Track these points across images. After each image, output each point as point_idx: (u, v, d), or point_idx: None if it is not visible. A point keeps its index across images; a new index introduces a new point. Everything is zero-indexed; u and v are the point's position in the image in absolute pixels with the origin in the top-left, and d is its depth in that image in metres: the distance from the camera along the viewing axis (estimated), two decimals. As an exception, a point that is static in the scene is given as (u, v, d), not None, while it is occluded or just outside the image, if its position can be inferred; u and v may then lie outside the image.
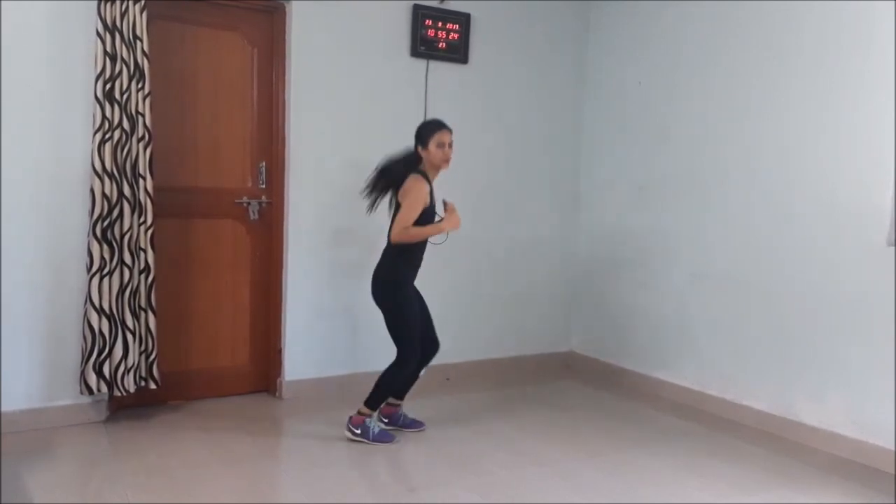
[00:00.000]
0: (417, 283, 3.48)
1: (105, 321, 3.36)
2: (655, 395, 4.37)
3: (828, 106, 3.56)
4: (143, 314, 3.49)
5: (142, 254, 3.45)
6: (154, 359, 3.53)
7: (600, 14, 4.84)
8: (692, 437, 3.71)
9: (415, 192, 3.27)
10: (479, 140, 4.51)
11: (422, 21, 4.23)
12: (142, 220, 3.43)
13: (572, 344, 5.09)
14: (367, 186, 3.40)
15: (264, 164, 4.00)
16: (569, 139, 4.94)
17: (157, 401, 3.77)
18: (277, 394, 4.06)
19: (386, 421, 3.59)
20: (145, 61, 3.37)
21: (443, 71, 4.36)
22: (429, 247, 3.45)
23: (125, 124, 3.35)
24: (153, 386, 3.55)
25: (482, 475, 3.13)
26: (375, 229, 3.61)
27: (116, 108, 3.32)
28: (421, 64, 4.29)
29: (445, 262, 4.06)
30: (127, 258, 3.41)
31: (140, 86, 3.37)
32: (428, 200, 3.31)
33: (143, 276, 3.47)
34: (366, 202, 3.42)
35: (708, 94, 4.15)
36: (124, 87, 3.34)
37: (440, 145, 3.33)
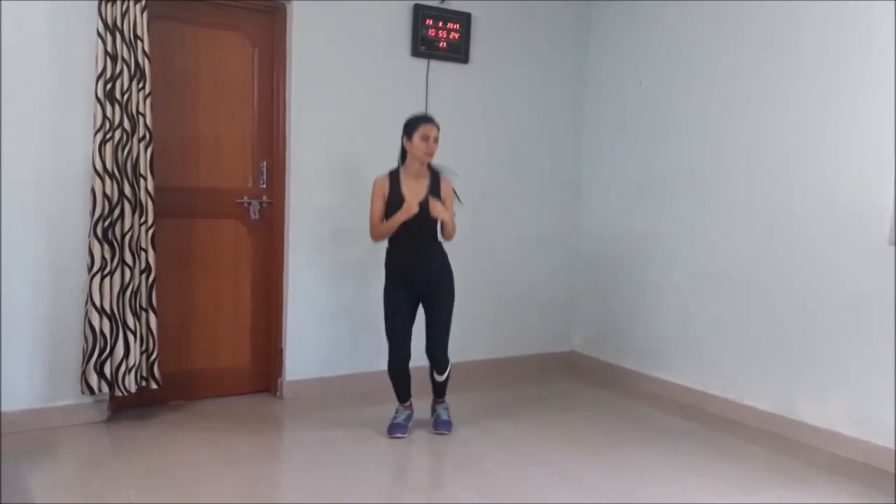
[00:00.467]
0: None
1: (106, 321, 3.36)
2: (656, 395, 4.37)
3: (828, 106, 3.56)
4: (143, 314, 3.49)
5: (143, 254, 3.45)
6: (155, 359, 3.53)
7: (601, 14, 4.84)
8: (693, 436, 3.71)
9: (371, 192, 3.40)
10: (479, 139, 4.52)
11: (422, 21, 4.23)
12: (143, 220, 3.43)
13: (573, 344, 5.09)
14: None
15: (265, 163, 4.00)
16: (569, 139, 4.94)
17: (158, 401, 3.77)
18: (278, 394, 4.06)
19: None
20: (146, 61, 3.37)
21: (443, 71, 4.36)
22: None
23: (126, 124, 3.35)
24: (154, 386, 3.55)
25: (482, 475, 3.13)
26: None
27: (117, 108, 3.32)
28: (422, 64, 4.29)
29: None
30: (128, 258, 3.41)
31: (141, 86, 3.38)
32: (386, 193, 3.37)
33: (143, 276, 3.47)
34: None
35: (708, 94, 4.15)
36: (125, 87, 3.34)
37: (424, 138, 3.34)
